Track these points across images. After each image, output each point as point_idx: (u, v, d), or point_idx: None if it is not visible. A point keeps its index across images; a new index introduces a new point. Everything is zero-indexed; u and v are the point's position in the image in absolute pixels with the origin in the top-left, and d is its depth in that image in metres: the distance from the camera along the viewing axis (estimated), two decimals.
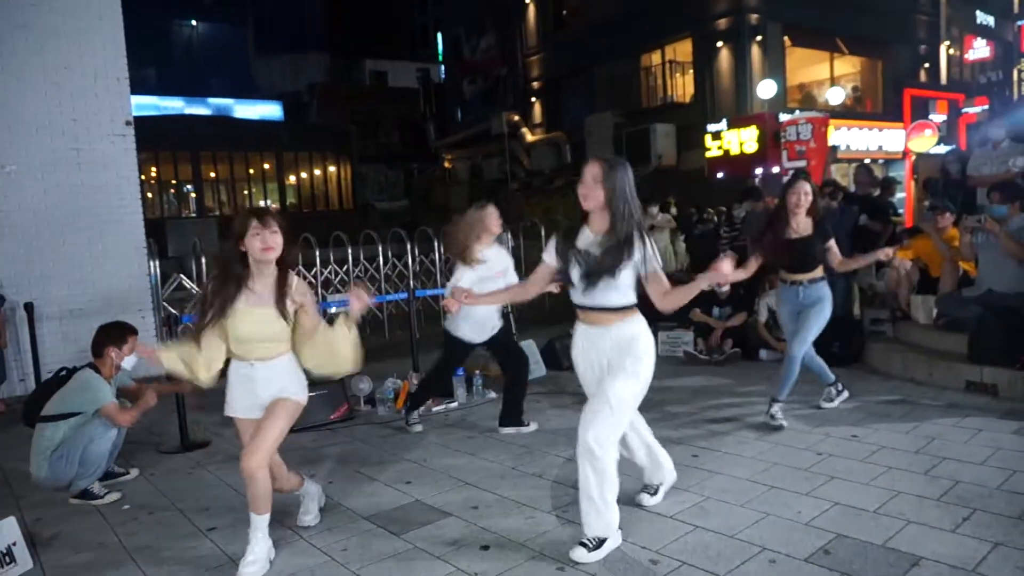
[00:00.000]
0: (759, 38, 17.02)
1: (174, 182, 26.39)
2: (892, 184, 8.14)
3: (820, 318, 4.30)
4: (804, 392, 5.07)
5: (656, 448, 3.19)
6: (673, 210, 11.04)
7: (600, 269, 2.68)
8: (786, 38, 17.64)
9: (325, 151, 28.95)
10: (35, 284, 6.29)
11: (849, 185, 8.72)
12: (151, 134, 20.03)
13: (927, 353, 5.40)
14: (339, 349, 2.87)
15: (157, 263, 7.24)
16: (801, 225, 4.28)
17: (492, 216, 4.42)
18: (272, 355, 2.81)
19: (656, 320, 7.94)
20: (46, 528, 3.35)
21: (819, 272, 4.32)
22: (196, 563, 2.89)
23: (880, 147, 18.33)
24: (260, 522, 2.80)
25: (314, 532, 3.14)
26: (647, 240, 2.71)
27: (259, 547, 2.79)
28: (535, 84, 23.96)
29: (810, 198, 4.22)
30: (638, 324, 2.79)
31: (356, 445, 4.42)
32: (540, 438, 4.37)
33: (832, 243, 4.32)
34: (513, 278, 4.52)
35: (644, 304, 2.83)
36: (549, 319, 8.26)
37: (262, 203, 28.48)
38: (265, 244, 2.68)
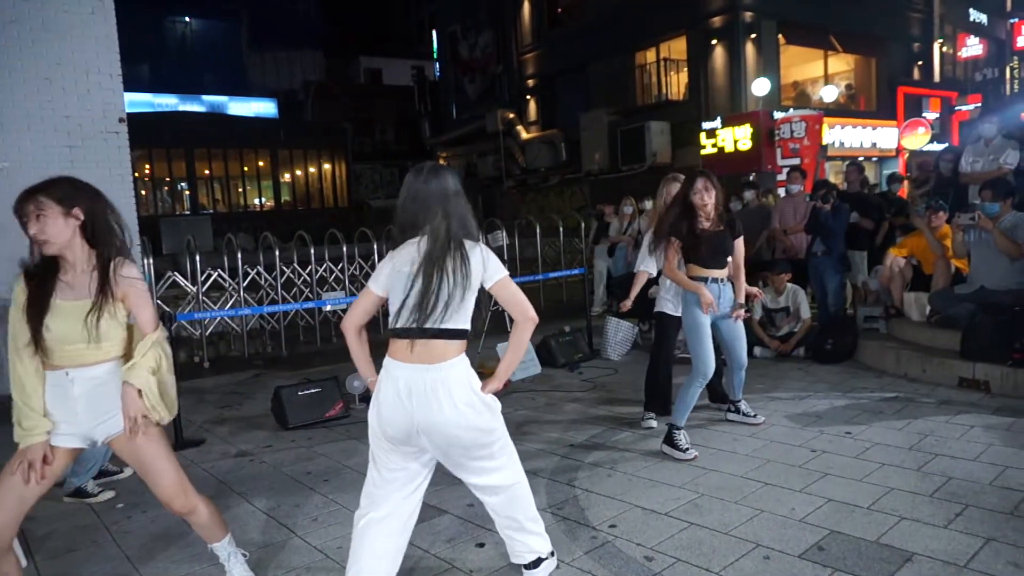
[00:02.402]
0: (753, 36, 17.04)
1: (168, 179, 26.31)
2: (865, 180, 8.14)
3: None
4: (797, 389, 5.10)
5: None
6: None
7: None
8: (780, 36, 17.66)
9: (320, 149, 28.90)
10: None
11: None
12: (145, 131, 19.95)
13: (920, 350, 5.42)
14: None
15: (151, 261, 7.23)
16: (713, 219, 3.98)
17: (669, 192, 4.44)
18: (92, 360, 2.26)
19: (651, 317, 7.89)
20: (40, 526, 3.34)
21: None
22: (190, 561, 2.88)
23: (874, 144, 18.39)
24: (226, 545, 2.56)
25: (309, 530, 3.14)
26: None
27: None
28: (530, 81, 23.93)
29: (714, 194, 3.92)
30: None
31: (351, 443, 4.41)
32: (535, 435, 4.37)
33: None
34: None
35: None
36: (543, 317, 8.24)
37: (256, 201, 28.47)
38: (36, 235, 2.22)
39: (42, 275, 2.25)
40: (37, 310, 2.19)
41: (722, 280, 3.99)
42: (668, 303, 4.39)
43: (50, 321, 2.20)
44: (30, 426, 2.22)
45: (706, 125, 16.72)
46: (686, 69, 18.67)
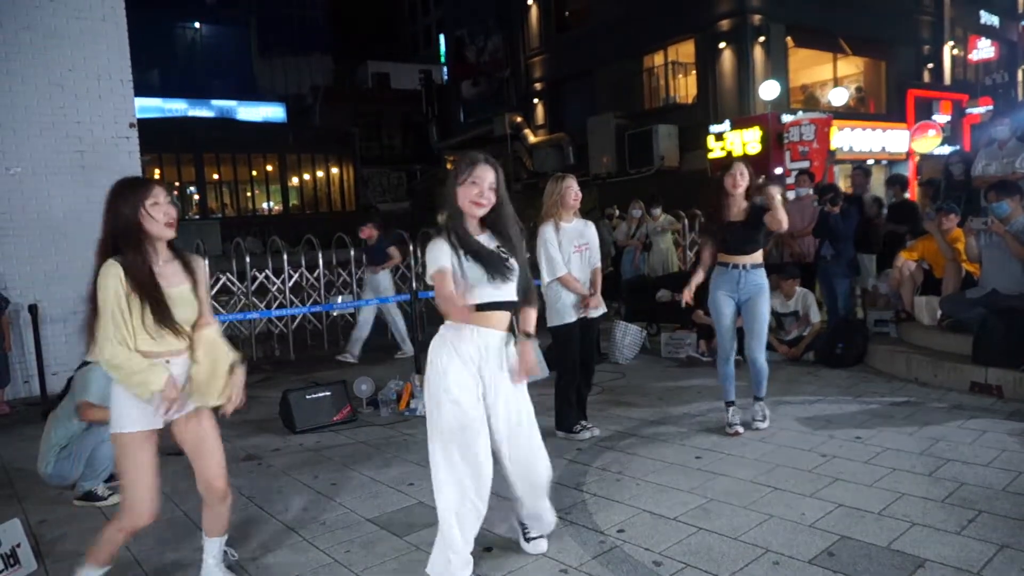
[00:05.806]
0: (762, 39, 17.00)
1: (177, 184, 26.51)
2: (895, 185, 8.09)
3: (767, 310, 4.26)
4: (808, 393, 5.07)
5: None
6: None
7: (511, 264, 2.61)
8: (789, 39, 17.61)
9: (328, 153, 29.06)
10: (39, 286, 6.31)
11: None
12: (155, 136, 20.10)
13: (931, 354, 5.38)
14: (220, 367, 2.44)
15: None
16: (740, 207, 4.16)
17: (568, 190, 4.37)
18: (184, 346, 2.43)
19: (659, 321, 7.87)
20: (50, 530, 3.35)
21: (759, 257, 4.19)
22: (199, 565, 2.88)
23: (884, 148, 18.29)
24: (221, 544, 2.69)
25: (317, 534, 3.14)
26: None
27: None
28: (537, 85, 23.96)
29: (747, 179, 4.11)
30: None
31: (359, 447, 4.42)
32: (543, 439, 4.35)
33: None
34: (596, 256, 4.40)
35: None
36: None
37: (265, 205, 28.58)
38: (170, 217, 2.36)
39: (136, 265, 2.30)
40: (158, 298, 2.30)
41: (744, 266, 4.13)
42: (556, 315, 4.38)
43: (174, 309, 2.32)
44: (156, 375, 2.30)
45: (714, 128, 16.68)
46: (694, 72, 18.64)
